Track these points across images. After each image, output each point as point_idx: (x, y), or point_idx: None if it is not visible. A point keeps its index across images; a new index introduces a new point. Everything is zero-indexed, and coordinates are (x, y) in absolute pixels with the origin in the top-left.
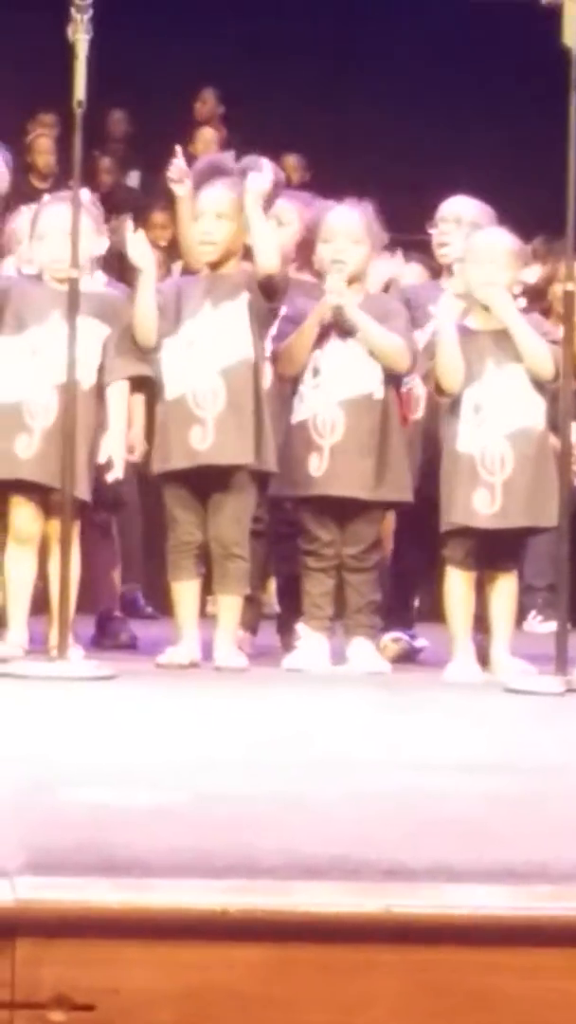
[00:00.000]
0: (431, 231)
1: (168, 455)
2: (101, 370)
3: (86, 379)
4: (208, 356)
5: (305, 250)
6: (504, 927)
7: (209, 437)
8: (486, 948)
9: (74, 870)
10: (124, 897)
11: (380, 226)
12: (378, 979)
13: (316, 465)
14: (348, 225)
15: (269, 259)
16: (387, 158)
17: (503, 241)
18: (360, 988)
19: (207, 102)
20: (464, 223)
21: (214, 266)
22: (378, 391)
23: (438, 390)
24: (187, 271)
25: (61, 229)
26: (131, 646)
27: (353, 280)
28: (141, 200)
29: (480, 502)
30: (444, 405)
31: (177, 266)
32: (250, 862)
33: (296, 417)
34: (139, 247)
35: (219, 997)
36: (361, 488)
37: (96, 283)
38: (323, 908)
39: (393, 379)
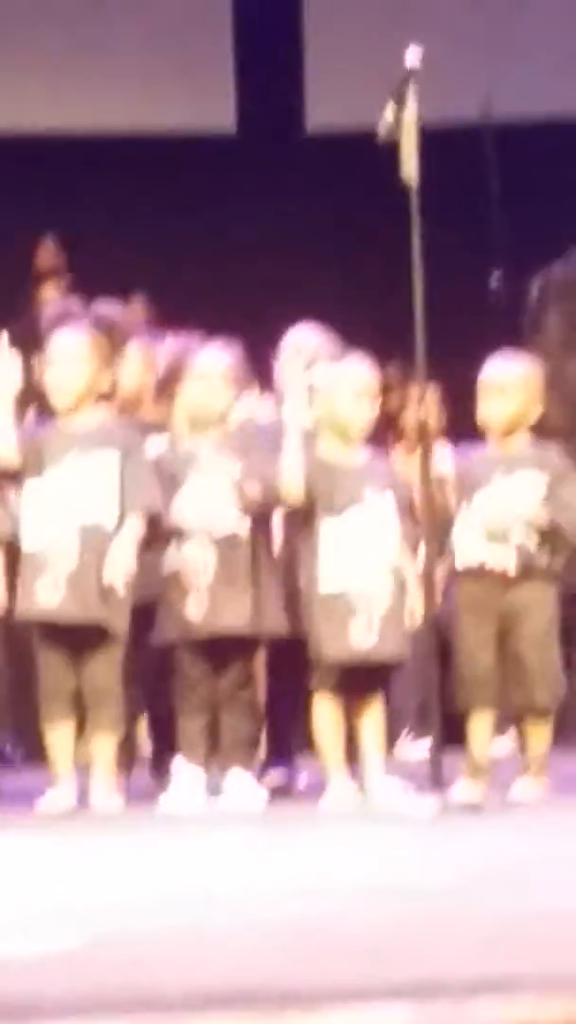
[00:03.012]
0: (274, 362)
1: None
2: None
3: None
4: (69, 511)
5: (166, 386)
6: None
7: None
8: None
9: None
10: None
11: (246, 369)
12: None
13: (197, 606)
14: (217, 369)
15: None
16: (233, 295)
17: (365, 373)
18: None
19: (48, 250)
20: (303, 353)
21: (67, 412)
22: (242, 529)
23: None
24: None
25: None
26: None
27: (220, 420)
28: None
29: (356, 633)
30: (305, 538)
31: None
32: (152, 998)
33: (167, 565)
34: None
35: None
36: (244, 622)
37: None
38: None
39: (256, 517)
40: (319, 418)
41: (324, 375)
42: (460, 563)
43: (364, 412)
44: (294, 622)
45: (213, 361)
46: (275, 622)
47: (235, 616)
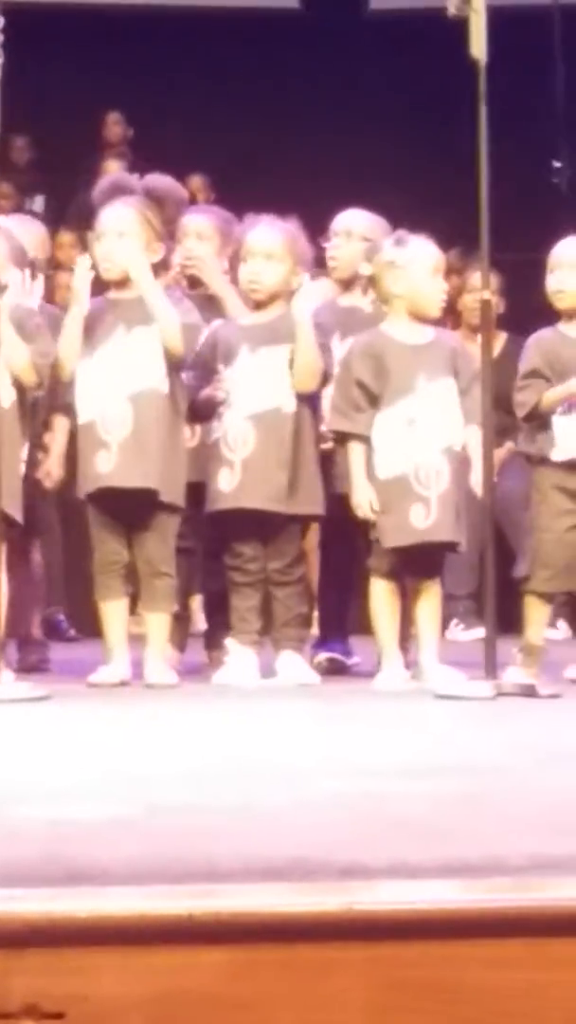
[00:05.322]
0: (324, 244)
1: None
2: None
3: (6, 397)
4: (119, 382)
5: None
6: (466, 920)
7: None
8: (448, 941)
9: (37, 882)
10: (90, 905)
11: (305, 242)
12: (343, 976)
13: (227, 479)
14: (264, 243)
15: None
16: (293, 176)
17: (434, 251)
18: (325, 986)
19: (115, 124)
20: (354, 236)
21: (117, 285)
22: (287, 404)
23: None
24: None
25: None
26: (42, 668)
27: (274, 297)
28: (46, 224)
29: (416, 517)
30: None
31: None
32: (209, 867)
33: (211, 435)
34: (83, 280)
35: (187, 1000)
36: (273, 501)
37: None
38: (286, 908)
39: (304, 394)
40: (391, 297)
41: (393, 254)
42: (560, 454)
43: (440, 287)
44: (344, 504)
45: (265, 239)
46: (310, 503)
47: (267, 493)
